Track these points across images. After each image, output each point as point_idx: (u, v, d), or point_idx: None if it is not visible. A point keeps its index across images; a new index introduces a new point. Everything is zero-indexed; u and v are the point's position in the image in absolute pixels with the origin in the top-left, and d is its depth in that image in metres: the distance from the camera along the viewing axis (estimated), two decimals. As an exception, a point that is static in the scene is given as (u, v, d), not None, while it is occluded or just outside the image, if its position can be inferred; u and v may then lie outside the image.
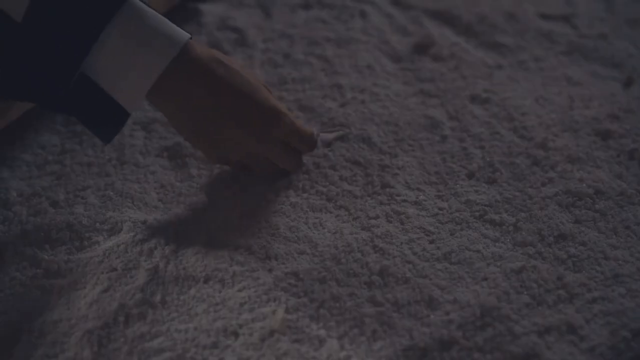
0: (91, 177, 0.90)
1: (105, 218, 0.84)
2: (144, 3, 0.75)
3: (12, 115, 0.90)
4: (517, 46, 1.14)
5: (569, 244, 0.82)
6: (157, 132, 0.97)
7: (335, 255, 0.80)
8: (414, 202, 0.87)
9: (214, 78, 0.78)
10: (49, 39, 0.71)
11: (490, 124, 0.98)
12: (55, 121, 0.98)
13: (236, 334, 0.73)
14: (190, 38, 0.77)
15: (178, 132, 0.84)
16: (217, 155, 0.85)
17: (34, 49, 0.71)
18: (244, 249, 0.81)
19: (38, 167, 0.92)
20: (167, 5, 1.12)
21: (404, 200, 0.87)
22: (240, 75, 0.80)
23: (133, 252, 0.80)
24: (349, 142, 0.95)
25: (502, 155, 0.93)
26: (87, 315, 0.74)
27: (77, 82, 0.73)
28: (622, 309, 0.75)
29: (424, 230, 0.84)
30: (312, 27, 1.17)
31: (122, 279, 0.78)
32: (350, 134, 0.96)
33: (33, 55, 0.72)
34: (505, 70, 1.09)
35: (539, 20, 1.19)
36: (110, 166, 0.92)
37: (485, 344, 0.72)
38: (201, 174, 0.91)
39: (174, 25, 0.76)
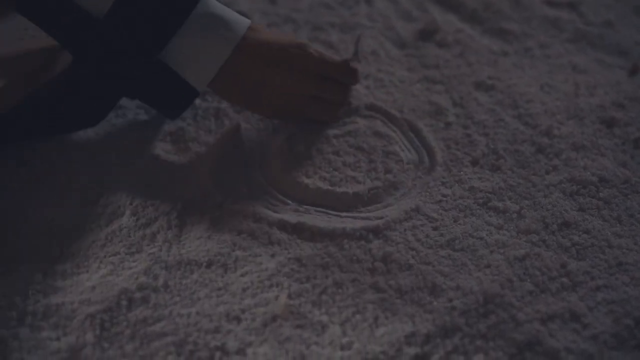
0: (94, 161, 0.90)
1: (108, 202, 0.84)
2: None
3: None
4: (523, 33, 1.13)
5: (572, 232, 0.82)
6: (160, 116, 0.96)
7: (339, 242, 0.80)
8: (418, 189, 0.87)
9: (261, 52, 0.88)
10: (130, 35, 0.81)
11: (495, 111, 0.98)
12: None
13: (238, 319, 0.73)
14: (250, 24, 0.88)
15: (230, 100, 0.92)
16: (273, 109, 0.92)
17: (113, 44, 0.82)
18: (247, 234, 0.81)
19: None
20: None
21: (408, 187, 0.87)
22: (278, 38, 0.90)
23: (136, 236, 0.80)
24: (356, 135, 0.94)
25: (506, 143, 0.93)
26: (89, 299, 0.74)
27: (152, 68, 0.84)
28: (625, 297, 0.75)
29: (428, 217, 0.83)
30: (316, 12, 1.16)
31: (124, 263, 0.78)
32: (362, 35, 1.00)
33: (112, 50, 0.82)
34: (511, 57, 1.08)
35: (545, 7, 1.18)
36: (113, 150, 0.92)
37: (488, 331, 0.72)
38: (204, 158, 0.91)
39: (236, 14, 0.87)
